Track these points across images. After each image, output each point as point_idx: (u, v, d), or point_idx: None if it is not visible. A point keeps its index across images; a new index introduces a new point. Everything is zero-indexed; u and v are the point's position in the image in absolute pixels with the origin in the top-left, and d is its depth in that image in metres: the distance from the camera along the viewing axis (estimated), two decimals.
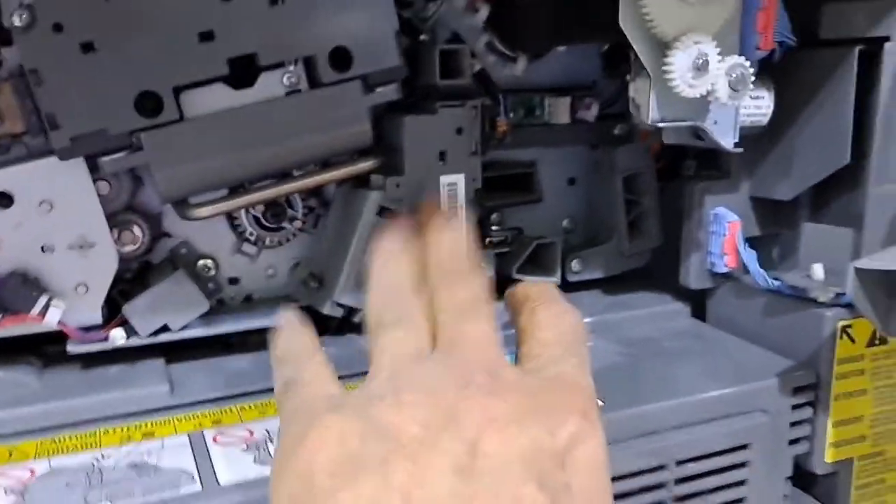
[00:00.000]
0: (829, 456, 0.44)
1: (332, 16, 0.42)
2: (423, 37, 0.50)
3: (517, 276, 0.52)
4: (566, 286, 0.54)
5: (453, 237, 0.30)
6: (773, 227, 0.50)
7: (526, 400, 0.23)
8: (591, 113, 0.54)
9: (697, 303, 0.53)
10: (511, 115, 0.53)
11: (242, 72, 0.42)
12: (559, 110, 0.54)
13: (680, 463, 0.39)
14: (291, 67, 0.43)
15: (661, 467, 0.39)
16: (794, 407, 0.43)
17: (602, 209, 0.55)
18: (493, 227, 0.51)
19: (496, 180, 0.54)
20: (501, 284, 0.52)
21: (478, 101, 0.48)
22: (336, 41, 0.42)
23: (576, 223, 0.57)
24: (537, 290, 0.30)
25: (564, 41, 0.50)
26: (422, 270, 0.30)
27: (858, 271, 0.33)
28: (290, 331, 0.32)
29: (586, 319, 0.49)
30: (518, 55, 0.52)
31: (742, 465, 0.41)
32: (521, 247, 0.52)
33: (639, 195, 0.54)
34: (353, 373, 0.37)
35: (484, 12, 0.50)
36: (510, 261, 0.52)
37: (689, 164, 0.54)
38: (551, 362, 0.26)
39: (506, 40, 0.52)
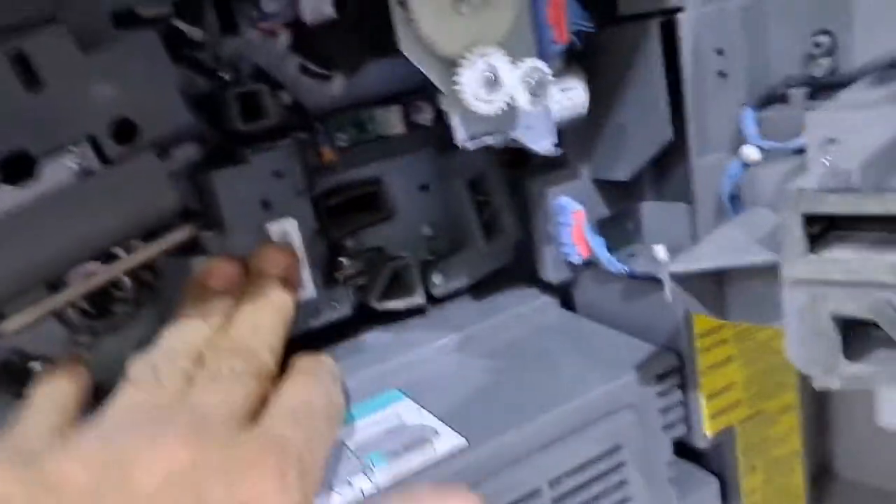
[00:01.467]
0: (709, 429, 0.44)
1: (104, 89, 0.39)
2: (224, 76, 0.46)
3: (380, 307, 0.50)
4: (432, 301, 0.52)
5: (259, 308, 0.31)
6: (623, 204, 0.49)
7: (218, 453, 0.23)
8: (426, 116, 0.52)
9: (566, 292, 0.52)
10: (342, 136, 0.50)
11: (18, 166, 0.39)
12: (392, 120, 0.52)
13: (554, 482, 0.38)
14: (74, 149, 0.40)
15: (535, 493, 0.38)
16: (661, 394, 0.42)
17: (455, 214, 0.54)
18: (344, 260, 0.49)
19: (343, 206, 0.51)
20: (366, 317, 0.51)
21: (291, 137, 0.45)
22: (115, 113, 0.39)
23: (437, 228, 0.55)
24: (303, 363, 0.31)
25: (377, 55, 0.48)
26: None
27: (674, 276, 0.33)
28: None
29: (455, 335, 0.48)
30: (333, 73, 0.49)
31: (619, 466, 0.40)
32: (377, 274, 0.50)
33: (488, 195, 0.52)
34: None
35: (285, 37, 0.47)
36: (370, 290, 0.50)
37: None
38: (274, 425, 0.25)
39: (316, 60, 0.49)
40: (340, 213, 0.51)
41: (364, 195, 0.53)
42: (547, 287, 0.52)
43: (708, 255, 0.33)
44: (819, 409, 0.55)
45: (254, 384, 0.27)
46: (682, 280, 0.33)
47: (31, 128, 0.38)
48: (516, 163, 0.54)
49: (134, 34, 0.39)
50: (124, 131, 0.40)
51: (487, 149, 0.52)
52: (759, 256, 0.31)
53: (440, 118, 0.52)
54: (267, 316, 0.32)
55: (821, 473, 0.55)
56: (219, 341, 0.30)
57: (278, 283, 0.35)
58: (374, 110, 0.51)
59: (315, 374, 0.30)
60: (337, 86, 0.49)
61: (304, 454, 0.26)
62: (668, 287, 0.33)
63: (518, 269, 0.54)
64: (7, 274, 0.39)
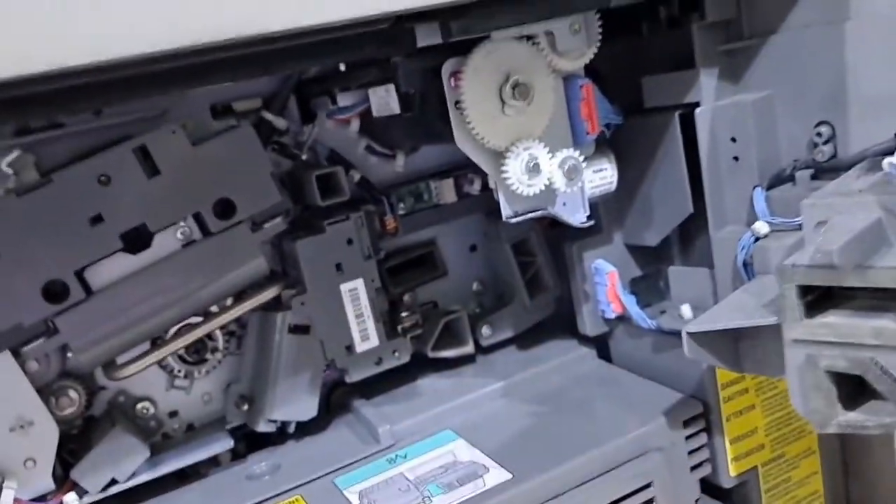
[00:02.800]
0: (733, 470, 0.49)
1: (208, 174, 0.46)
2: (304, 157, 0.54)
3: (433, 355, 0.56)
4: (481, 351, 0.58)
5: None
6: (652, 266, 0.54)
7: None
8: (475, 188, 0.59)
9: (602, 343, 0.57)
10: (402, 205, 0.57)
11: (137, 239, 0.46)
12: (445, 191, 0.59)
13: None
14: (182, 223, 0.47)
15: None
16: (689, 437, 0.47)
17: (501, 272, 0.60)
18: (404, 314, 0.55)
19: (401, 265, 0.58)
20: (421, 364, 0.57)
21: (361, 210, 0.52)
22: (217, 195, 0.47)
23: (485, 284, 0.62)
24: None
25: (426, 143, 0.55)
26: None
27: (691, 335, 0.38)
28: None
29: (502, 382, 0.54)
30: (395, 152, 0.57)
31: (649, 502, 0.45)
32: (431, 325, 0.57)
33: (531, 255, 0.59)
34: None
35: (355, 124, 0.54)
36: (425, 341, 0.56)
37: None
38: None
39: (381, 142, 0.56)
40: (400, 272, 0.58)
41: (420, 256, 0.60)
42: (584, 339, 0.57)
43: (721, 317, 0.38)
44: (839, 454, 0.59)
45: None
46: (700, 338, 0.38)
47: (149, 207, 0.45)
48: (555, 224, 0.60)
49: (234, 129, 0.47)
50: (225, 209, 0.47)
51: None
52: (765, 319, 0.37)
53: (487, 188, 0.59)
54: None
55: None
56: None
57: None
58: (430, 182, 0.58)
59: None
60: (399, 163, 0.57)
61: None
62: (686, 344, 0.38)
63: (558, 322, 0.60)
64: (124, 329, 0.46)
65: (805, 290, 0.35)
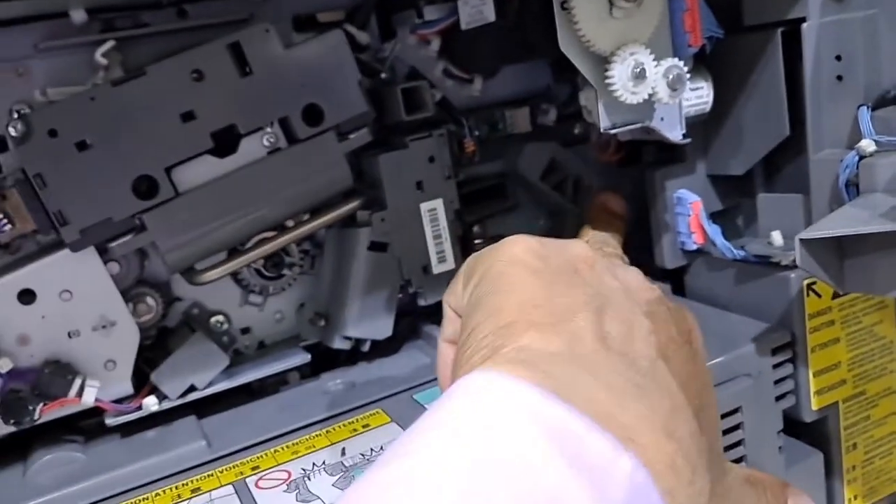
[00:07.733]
0: (815, 404, 0.48)
1: (298, 78, 0.45)
2: (383, 75, 0.53)
3: None
4: None
5: None
6: (734, 199, 0.53)
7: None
8: (550, 118, 0.58)
9: (676, 278, 0.56)
10: (476, 133, 0.56)
11: (225, 140, 0.45)
12: (520, 120, 0.58)
13: None
14: (269, 129, 0.46)
15: None
16: (776, 366, 0.46)
17: (551, 202, 0.59)
18: (476, 241, 0.55)
19: (472, 194, 0.57)
20: None
21: (444, 128, 0.51)
22: (306, 100, 0.46)
23: (554, 219, 0.61)
24: None
25: (512, 61, 0.54)
26: None
27: (804, 242, 0.37)
28: None
29: None
30: (473, 76, 0.56)
31: (737, 427, 0.45)
32: None
33: (562, 171, 0.58)
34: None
35: (436, 44, 0.53)
36: None
37: (648, 149, 0.57)
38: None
39: (460, 64, 0.55)
40: (471, 202, 0.57)
41: (491, 187, 0.59)
42: (657, 274, 0.56)
43: (834, 226, 0.38)
44: None
45: None
46: (811, 248, 0.37)
47: (240, 108, 0.45)
48: (629, 161, 0.60)
49: (325, 34, 0.46)
50: (313, 115, 0.46)
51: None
52: (888, 225, 0.36)
53: (562, 119, 0.58)
54: None
55: None
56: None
57: None
58: (506, 110, 0.57)
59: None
60: (476, 87, 0.56)
61: None
62: (799, 253, 0.37)
63: (629, 257, 0.59)
64: (209, 233, 0.45)
65: None
